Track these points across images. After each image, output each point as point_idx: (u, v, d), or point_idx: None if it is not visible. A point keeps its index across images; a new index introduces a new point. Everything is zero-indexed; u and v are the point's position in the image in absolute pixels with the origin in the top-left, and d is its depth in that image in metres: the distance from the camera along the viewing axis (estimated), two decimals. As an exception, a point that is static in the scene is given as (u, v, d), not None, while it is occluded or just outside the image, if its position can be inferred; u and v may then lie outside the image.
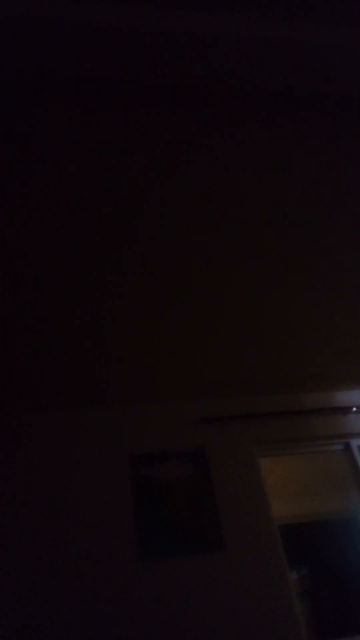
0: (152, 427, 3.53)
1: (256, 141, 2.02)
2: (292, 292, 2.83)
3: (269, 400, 3.82)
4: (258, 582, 3.00)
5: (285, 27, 1.72)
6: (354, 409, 3.79)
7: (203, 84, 1.82)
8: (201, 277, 2.60)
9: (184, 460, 3.36)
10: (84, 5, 1.50)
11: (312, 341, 3.29)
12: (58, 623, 2.75)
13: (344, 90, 1.95)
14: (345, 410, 3.80)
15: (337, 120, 2.05)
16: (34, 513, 3.07)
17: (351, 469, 3.70)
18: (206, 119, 1.91)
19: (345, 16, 1.73)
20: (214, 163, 2.06)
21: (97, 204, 2.11)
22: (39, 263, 2.33)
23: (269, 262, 2.59)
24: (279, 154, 2.09)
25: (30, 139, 1.82)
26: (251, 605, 2.91)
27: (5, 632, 2.68)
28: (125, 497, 3.20)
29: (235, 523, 3.20)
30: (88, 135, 1.86)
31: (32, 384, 3.18)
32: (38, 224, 2.14)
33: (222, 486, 3.33)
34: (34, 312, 2.60)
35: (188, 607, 2.87)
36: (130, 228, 2.25)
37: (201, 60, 1.73)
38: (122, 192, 2.09)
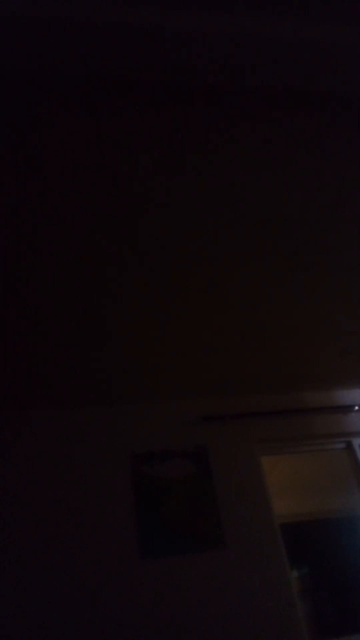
0: (153, 426, 3.53)
1: (256, 140, 2.01)
2: (293, 291, 2.82)
3: (271, 399, 3.81)
4: (259, 580, 3.00)
5: (286, 26, 1.70)
6: (356, 407, 3.78)
7: (203, 84, 1.81)
8: (202, 276, 2.59)
9: (185, 459, 3.36)
10: (83, 5, 1.49)
11: (313, 340, 3.28)
12: (59, 621, 2.75)
13: (344, 89, 1.94)
14: (347, 409, 3.79)
15: (337, 120, 2.03)
16: (34, 511, 3.07)
17: (352, 468, 3.69)
18: (207, 118, 1.90)
19: (345, 15, 1.72)
20: (214, 162, 2.05)
21: (97, 203, 2.10)
22: (40, 261, 2.32)
23: (270, 261, 2.58)
24: (279, 154, 2.08)
25: (30, 139, 1.81)
26: (252, 604, 2.92)
27: (5, 631, 2.69)
28: (126, 496, 3.20)
29: (236, 522, 3.20)
30: (88, 135, 1.85)
31: (33, 382, 3.18)
32: (39, 223, 2.13)
33: (223, 485, 3.33)
34: (34, 310, 2.60)
35: (189, 605, 2.88)
36: (131, 227, 2.24)
37: (201, 60, 1.72)
38: (123, 191, 2.08)
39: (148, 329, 2.90)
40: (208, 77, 1.78)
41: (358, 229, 2.50)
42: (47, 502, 3.11)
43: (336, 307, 3.01)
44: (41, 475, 3.21)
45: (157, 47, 1.65)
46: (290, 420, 3.71)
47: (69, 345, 2.90)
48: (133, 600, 2.85)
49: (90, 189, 2.04)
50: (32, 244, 2.23)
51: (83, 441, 3.39)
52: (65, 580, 2.88)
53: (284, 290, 2.80)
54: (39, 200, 2.04)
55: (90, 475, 3.25)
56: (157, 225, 2.26)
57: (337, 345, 3.38)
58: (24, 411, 3.46)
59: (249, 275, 2.65)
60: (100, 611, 2.81)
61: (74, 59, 1.65)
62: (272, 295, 2.82)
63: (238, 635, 2.81)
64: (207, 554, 3.04)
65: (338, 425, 3.75)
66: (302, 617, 2.94)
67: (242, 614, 2.88)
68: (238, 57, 1.74)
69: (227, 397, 3.76)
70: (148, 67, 1.70)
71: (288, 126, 1.98)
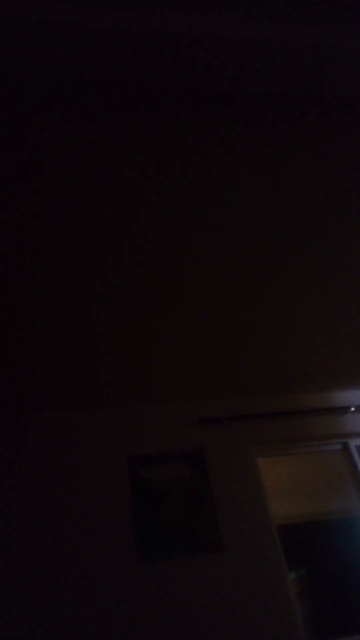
0: (150, 429, 3.52)
1: (253, 142, 2.02)
2: (289, 293, 2.83)
3: (267, 400, 3.82)
4: (256, 582, 3.00)
5: (283, 28, 1.72)
6: (352, 409, 3.79)
7: (200, 85, 1.82)
8: (198, 278, 2.60)
9: (182, 461, 3.36)
10: (82, 6, 1.50)
11: (309, 342, 3.29)
12: (57, 624, 2.74)
13: (340, 91, 1.95)
14: (343, 410, 3.80)
15: (334, 122, 2.05)
16: (31, 514, 3.06)
17: (349, 469, 3.70)
18: (204, 120, 1.91)
19: (343, 17, 1.73)
20: (211, 164, 2.06)
21: (95, 204, 2.10)
22: (38, 263, 2.32)
23: (266, 263, 2.59)
24: (276, 155, 2.09)
25: (28, 139, 1.82)
26: (250, 606, 2.91)
27: (4, 632, 2.68)
28: (123, 499, 3.19)
29: (234, 524, 3.19)
30: (86, 136, 1.86)
31: (30, 385, 3.18)
32: (36, 223, 2.13)
33: (220, 487, 3.33)
34: (32, 312, 2.59)
35: (187, 608, 2.87)
36: (128, 229, 2.24)
37: (199, 61, 1.73)
38: (120, 192, 2.08)
39: (144, 332, 2.90)
40: (205, 78, 1.79)
41: (354, 230, 2.52)
42: (44, 505, 3.10)
43: (332, 309, 3.02)
44: (38, 478, 3.19)
45: (155, 49, 1.66)
46: (287, 422, 3.71)
47: (66, 348, 2.90)
48: (130, 603, 2.84)
49: (88, 189, 2.04)
50: (29, 245, 2.22)
51: (80, 444, 3.38)
52: (62, 583, 2.86)
53: (280, 292, 2.81)
54: (37, 201, 2.04)
55: (88, 478, 3.24)
56: (154, 227, 2.26)
57: (333, 346, 3.39)
58: (20, 414, 3.45)
59: (245, 277, 2.66)
60: (97, 614, 2.79)
61: (71, 60, 1.66)
62: (268, 297, 2.83)
63: (236, 638, 2.81)
64: (204, 557, 3.03)
65: (334, 427, 3.76)
66: (300, 618, 2.94)
67: (240, 617, 2.87)
68: (235, 58, 1.75)
69: (224, 399, 3.76)
70: (147, 69, 1.71)
71: (286, 128, 2.00)
